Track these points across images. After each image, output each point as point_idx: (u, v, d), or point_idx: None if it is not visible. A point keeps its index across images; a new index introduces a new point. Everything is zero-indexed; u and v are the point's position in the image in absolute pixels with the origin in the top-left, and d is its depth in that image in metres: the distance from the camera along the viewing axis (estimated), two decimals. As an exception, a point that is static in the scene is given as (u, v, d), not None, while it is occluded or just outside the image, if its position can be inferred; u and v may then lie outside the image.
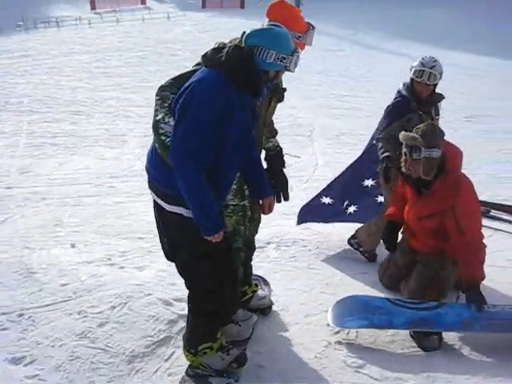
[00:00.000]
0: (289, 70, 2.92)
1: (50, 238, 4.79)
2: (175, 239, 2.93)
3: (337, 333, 3.55)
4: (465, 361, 3.45)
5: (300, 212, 5.09)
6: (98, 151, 8.08)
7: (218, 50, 2.88)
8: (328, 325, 3.52)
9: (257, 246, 4.60)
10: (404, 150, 3.74)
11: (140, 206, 5.83)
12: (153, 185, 2.95)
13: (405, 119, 4.30)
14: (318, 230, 5.30)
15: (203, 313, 2.96)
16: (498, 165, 8.00)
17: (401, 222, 4.11)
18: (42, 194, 6.04)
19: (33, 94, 11.70)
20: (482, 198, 4.74)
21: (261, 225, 4.88)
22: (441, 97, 4.52)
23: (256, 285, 3.77)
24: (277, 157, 3.79)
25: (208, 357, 3.04)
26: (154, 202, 2.98)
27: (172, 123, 2.78)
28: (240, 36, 2.96)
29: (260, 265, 4.44)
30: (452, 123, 10.81)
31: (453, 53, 19.60)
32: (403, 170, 3.79)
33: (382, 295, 3.94)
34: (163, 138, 2.79)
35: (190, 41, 20.25)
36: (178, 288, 3.93)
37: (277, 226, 5.41)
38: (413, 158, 3.67)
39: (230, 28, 23.70)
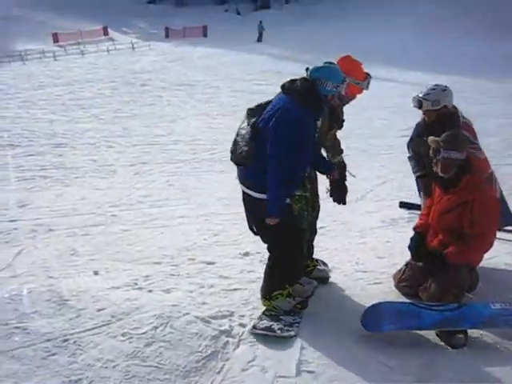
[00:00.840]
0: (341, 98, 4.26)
1: (69, 266, 4.87)
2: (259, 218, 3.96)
3: (369, 336, 3.78)
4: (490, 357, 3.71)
5: None
6: (91, 182, 8.19)
7: (292, 81, 3.92)
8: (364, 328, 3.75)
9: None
10: (431, 152, 4.18)
11: (147, 233, 5.98)
12: (243, 180, 4.03)
13: (421, 139, 4.67)
14: (326, 246, 5.53)
15: (279, 268, 4.07)
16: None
17: (426, 233, 4.41)
18: (48, 225, 6.12)
19: (11, 128, 11.72)
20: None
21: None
22: (452, 122, 4.62)
23: (316, 260, 4.76)
24: (341, 169, 4.54)
25: (279, 301, 4.13)
26: (243, 192, 4.09)
27: (246, 127, 3.84)
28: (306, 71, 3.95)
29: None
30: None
31: (407, 72, 20.42)
32: (434, 169, 4.21)
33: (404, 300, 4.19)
34: (239, 138, 3.85)
35: (158, 70, 20.49)
36: (210, 306, 4.10)
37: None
38: (436, 158, 4.11)
39: (196, 57, 24.13)
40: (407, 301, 4.14)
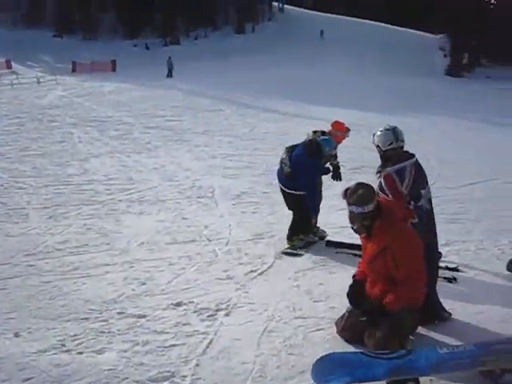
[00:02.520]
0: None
1: (-16, 328, 4.41)
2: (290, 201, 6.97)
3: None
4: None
5: None
6: (2, 228, 7.59)
7: (314, 132, 6.77)
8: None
9: (206, 315, 4.64)
10: None
11: (69, 285, 5.57)
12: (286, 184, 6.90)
13: None
14: (259, 291, 5.38)
15: (298, 224, 6.88)
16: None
17: (364, 281, 4.36)
18: (-44, 280, 5.57)
19: None
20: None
21: (200, 291, 4.96)
22: (386, 163, 4.86)
23: (318, 227, 7.17)
24: (336, 166, 7.18)
25: (296, 242, 6.80)
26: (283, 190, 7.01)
27: (286, 158, 6.77)
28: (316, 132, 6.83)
29: (220, 334, 4.43)
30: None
31: (326, 108, 20.95)
32: None
33: (350, 349, 4.08)
34: (283, 164, 6.80)
35: (67, 106, 19.81)
36: (149, 367, 3.82)
37: (217, 291, 5.42)
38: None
39: (106, 92, 23.58)
40: (355, 350, 4.05)
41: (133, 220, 8.21)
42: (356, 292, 4.34)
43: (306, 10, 67.71)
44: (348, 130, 6.99)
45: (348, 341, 4.32)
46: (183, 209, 8.89)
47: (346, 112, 20.75)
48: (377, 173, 4.93)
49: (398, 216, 4.26)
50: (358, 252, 6.60)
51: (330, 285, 5.59)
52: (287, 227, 7.80)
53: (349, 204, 4.17)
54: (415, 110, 21.74)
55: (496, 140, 16.75)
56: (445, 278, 5.68)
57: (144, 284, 5.55)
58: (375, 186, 4.63)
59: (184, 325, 4.59)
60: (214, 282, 5.63)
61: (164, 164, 12.21)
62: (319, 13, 65.10)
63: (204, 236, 7.38)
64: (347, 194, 4.19)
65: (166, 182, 10.68)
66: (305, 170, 6.53)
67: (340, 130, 6.96)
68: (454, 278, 5.78)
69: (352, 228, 4.32)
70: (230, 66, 32.30)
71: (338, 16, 63.36)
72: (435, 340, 4.28)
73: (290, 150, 6.73)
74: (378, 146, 4.91)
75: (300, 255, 6.55)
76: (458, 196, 10.33)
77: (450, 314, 4.84)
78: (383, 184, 4.76)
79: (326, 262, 6.37)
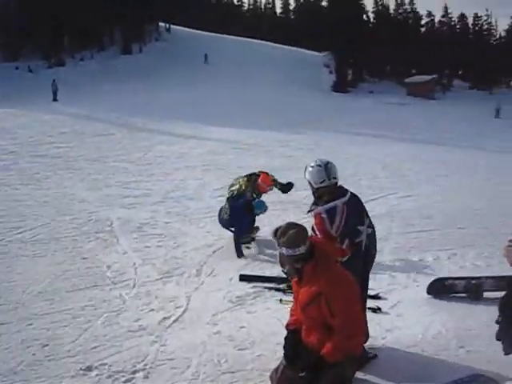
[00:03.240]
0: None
1: None
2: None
3: None
4: None
5: None
6: None
7: (248, 200, 8.01)
8: None
9: (123, 379, 4.14)
10: None
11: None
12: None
13: None
14: (177, 342, 4.89)
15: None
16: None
17: (300, 330, 4.00)
18: None
19: None
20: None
21: (112, 349, 4.41)
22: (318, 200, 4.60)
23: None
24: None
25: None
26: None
27: (227, 208, 8.13)
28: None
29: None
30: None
31: (220, 129, 20.73)
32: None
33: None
34: (223, 212, 8.22)
35: None
36: None
37: (131, 347, 4.86)
38: None
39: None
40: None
41: (26, 264, 7.39)
42: (293, 345, 3.96)
43: (192, 30, 67.69)
44: (272, 185, 8.16)
45: (285, 397, 3.94)
46: (81, 246, 8.19)
47: (236, 131, 20.70)
48: (308, 211, 4.63)
49: (333, 259, 3.96)
50: (274, 286, 6.34)
51: (252, 327, 5.21)
52: (194, 262, 7.40)
53: (279, 245, 3.83)
54: (305, 127, 22.04)
55: (390, 153, 17.24)
56: (369, 308, 5.47)
57: (46, 345, 4.86)
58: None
59: (98, 395, 4.02)
60: (125, 336, 5.06)
61: (56, 196, 11.33)
62: (205, 32, 65.30)
63: (108, 278, 6.76)
64: (277, 234, 3.84)
65: (60, 216, 9.86)
66: (238, 219, 7.87)
67: (265, 183, 8.08)
68: (379, 308, 5.60)
69: (282, 271, 3.97)
70: (118, 88, 31.27)
71: (224, 35, 63.88)
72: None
73: (230, 199, 8.04)
74: (309, 183, 4.60)
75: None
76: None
77: (376, 355, 4.58)
78: (314, 222, 4.47)
79: (243, 301, 5.98)
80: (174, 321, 5.39)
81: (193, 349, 4.75)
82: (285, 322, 5.19)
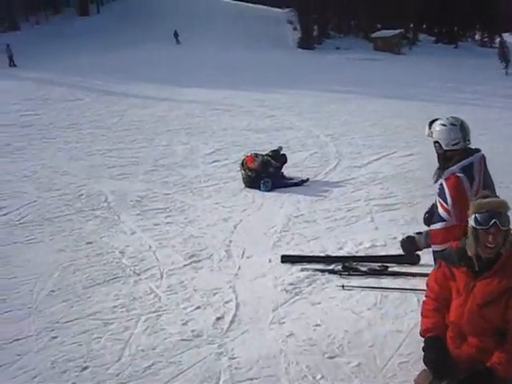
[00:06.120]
0: None
1: None
2: None
3: None
4: None
5: None
6: None
7: None
8: None
9: None
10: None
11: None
12: None
13: None
14: (251, 356, 3.82)
15: None
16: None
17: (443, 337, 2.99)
18: None
19: None
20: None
21: (171, 368, 3.32)
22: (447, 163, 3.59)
23: None
24: None
25: None
26: None
27: None
28: None
29: None
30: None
31: (202, 90, 19.26)
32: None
33: None
34: None
35: None
36: None
37: (193, 364, 3.76)
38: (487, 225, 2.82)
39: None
40: None
41: (23, 254, 6.13)
42: (440, 354, 2.95)
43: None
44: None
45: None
46: (80, 228, 6.96)
47: (208, 92, 19.37)
48: (435, 181, 3.60)
49: None
50: (325, 267, 5.32)
51: (328, 325, 4.19)
52: (219, 241, 6.32)
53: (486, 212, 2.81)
54: (278, 85, 20.84)
55: (374, 109, 16.30)
56: None
57: (85, 369, 3.70)
58: None
59: None
60: (180, 347, 3.95)
61: (36, 169, 9.94)
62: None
63: (127, 267, 5.60)
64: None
65: (45, 192, 8.57)
66: None
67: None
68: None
69: (486, 249, 2.86)
70: (77, 51, 29.02)
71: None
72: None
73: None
74: (436, 142, 3.56)
75: None
76: (371, 175, 9.45)
77: None
78: (445, 187, 3.44)
79: (299, 289, 4.93)
80: (231, 322, 4.30)
81: (272, 361, 3.70)
82: (362, 315, 4.27)
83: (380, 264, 5.17)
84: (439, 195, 3.50)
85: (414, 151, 11.34)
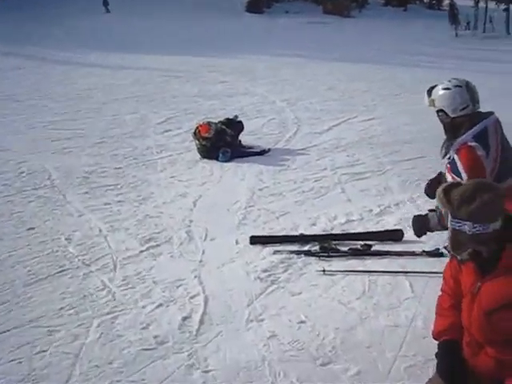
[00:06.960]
0: None
1: None
2: None
3: None
4: None
5: None
6: None
7: None
8: None
9: None
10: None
11: None
12: None
13: None
14: (226, 365, 3.16)
15: None
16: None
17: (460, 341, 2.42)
18: None
19: None
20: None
21: None
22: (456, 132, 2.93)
23: None
24: None
25: None
26: None
27: None
28: None
29: None
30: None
31: (148, 56, 18.09)
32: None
33: None
34: None
35: None
36: None
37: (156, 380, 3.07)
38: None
39: None
40: None
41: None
42: (454, 362, 2.38)
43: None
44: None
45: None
46: (21, 211, 6.09)
47: (157, 58, 18.29)
48: (444, 155, 2.97)
49: None
50: (301, 248, 4.69)
51: (314, 321, 3.56)
52: (177, 221, 5.62)
53: (453, 217, 2.21)
54: (228, 50, 19.86)
55: (328, 73, 15.64)
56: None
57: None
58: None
59: None
60: (142, 359, 3.22)
61: (-31, 146, 8.87)
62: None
63: (74, 257, 4.82)
64: (450, 197, 2.20)
65: (-19, 171, 7.57)
66: None
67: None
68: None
69: (454, 255, 2.31)
70: (10, 16, 26.93)
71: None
72: None
73: None
74: (441, 111, 2.92)
75: None
76: (334, 142, 8.86)
77: None
78: (457, 160, 2.82)
79: (274, 276, 4.27)
80: (200, 322, 3.61)
81: (255, 373, 3.04)
82: (351, 306, 3.68)
83: (362, 243, 4.58)
84: (452, 170, 2.89)
85: (374, 115, 10.79)
